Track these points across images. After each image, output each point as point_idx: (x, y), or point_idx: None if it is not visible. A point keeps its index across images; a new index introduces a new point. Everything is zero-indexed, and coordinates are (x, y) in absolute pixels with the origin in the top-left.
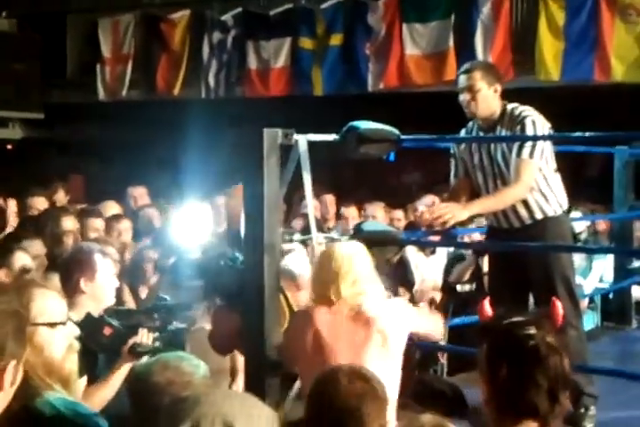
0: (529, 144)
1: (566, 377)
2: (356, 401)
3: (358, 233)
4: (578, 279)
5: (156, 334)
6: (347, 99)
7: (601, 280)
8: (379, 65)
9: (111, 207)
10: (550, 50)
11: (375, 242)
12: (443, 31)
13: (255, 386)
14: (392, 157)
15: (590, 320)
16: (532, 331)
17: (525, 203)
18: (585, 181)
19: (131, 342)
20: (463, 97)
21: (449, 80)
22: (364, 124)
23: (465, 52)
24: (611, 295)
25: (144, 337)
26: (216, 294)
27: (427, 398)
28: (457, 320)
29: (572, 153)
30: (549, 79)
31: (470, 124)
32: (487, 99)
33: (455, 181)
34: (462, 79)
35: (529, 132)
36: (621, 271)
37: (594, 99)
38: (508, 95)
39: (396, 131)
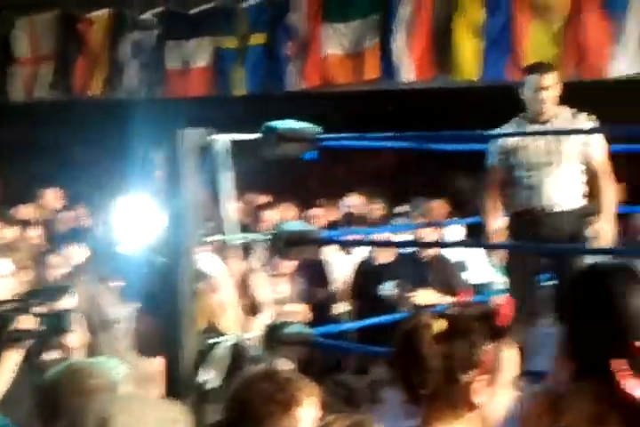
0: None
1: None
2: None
3: (278, 233)
4: (493, 276)
5: (38, 319)
6: (269, 98)
7: None
8: (300, 64)
9: (24, 211)
10: (468, 50)
11: (295, 242)
12: (364, 30)
13: (172, 390)
14: (314, 155)
15: None
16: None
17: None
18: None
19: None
20: (543, 95)
21: (370, 79)
22: (283, 124)
23: (386, 51)
24: None
25: (24, 322)
26: (137, 296)
27: (342, 397)
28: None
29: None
30: (468, 79)
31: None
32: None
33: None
34: (549, 78)
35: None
36: None
37: (512, 98)
38: (428, 95)
39: (316, 130)
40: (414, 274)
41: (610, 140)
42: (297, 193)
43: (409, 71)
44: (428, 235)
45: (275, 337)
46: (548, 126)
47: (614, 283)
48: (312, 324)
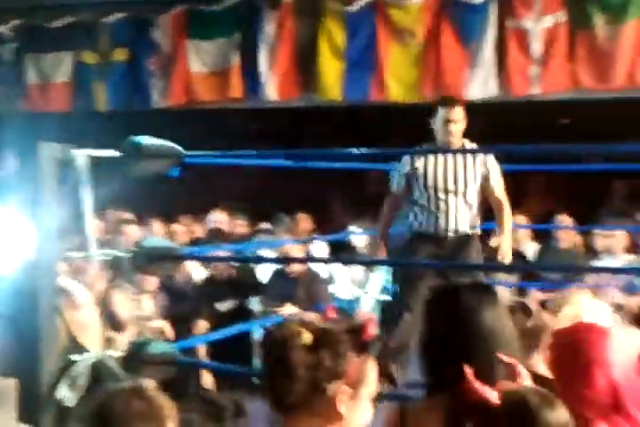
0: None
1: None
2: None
3: (139, 250)
4: (358, 291)
5: None
6: (131, 115)
7: (382, 292)
8: (164, 81)
9: None
10: (331, 70)
11: (155, 258)
12: (227, 49)
13: (29, 408)
14: (175, 173)
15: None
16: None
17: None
18: (366, 198)
19: None
20: (451, 127)
21: (234, 98)
22: (145, 140)
23: (250, 70)
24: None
25: None
26: None
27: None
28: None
29: (353, 170)
30: (331, 99)
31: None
32: None
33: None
34: (458, 111)
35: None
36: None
37: (372, 117)
38: (293, 114)
39: (178, 147)
40: (282, 289)
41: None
42: (160, 209)
43: (273, 90)
44: (294, 251)
45: (137, 355)
46: (451, 157)
47: (467, 300)
48: (174, 340)
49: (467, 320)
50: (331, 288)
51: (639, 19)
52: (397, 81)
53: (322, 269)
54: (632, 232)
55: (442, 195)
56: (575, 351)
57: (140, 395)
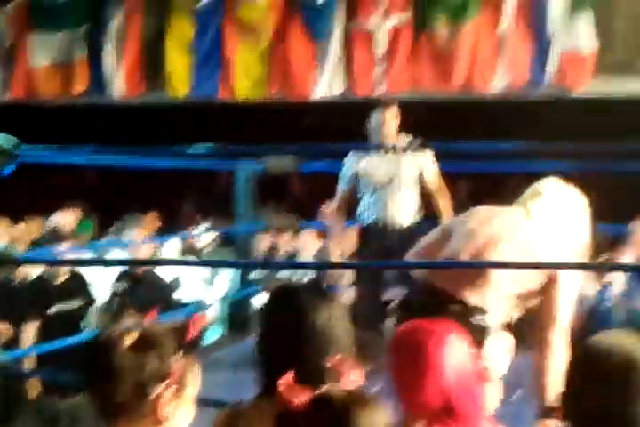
0: None
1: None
2: None
3: None
4: (203, 290)
5: None
6: None
7: (226, 291)
8: (6, 74)
9: None
10: (179, 66)
11: None
12: (73, 42)
13: None
14: (7, 171)
15: (215, 330)
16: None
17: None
18: (213, 195)
19: None
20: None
21: (79, 92)
22: None
23: (96, 64)
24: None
25: None
26: None
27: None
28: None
29: (198, 168)
30: (178, 95)
31: None
32: None
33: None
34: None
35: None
36: (243, 282)
37: (220, 114)
38: (139, 110)
39: (15, 143)
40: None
41: None
42: (5, 209)
43: (120, 85)
44: (144, 250)
45: None
46: (390, 155)
47: (301, 301)
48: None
49: (298, 322)
50: (175, 294)
51: (476, 22)
52: (245, 78)
53: (170, 271)
54: None
55: (383, 190)
56: (412, 354)
57: None
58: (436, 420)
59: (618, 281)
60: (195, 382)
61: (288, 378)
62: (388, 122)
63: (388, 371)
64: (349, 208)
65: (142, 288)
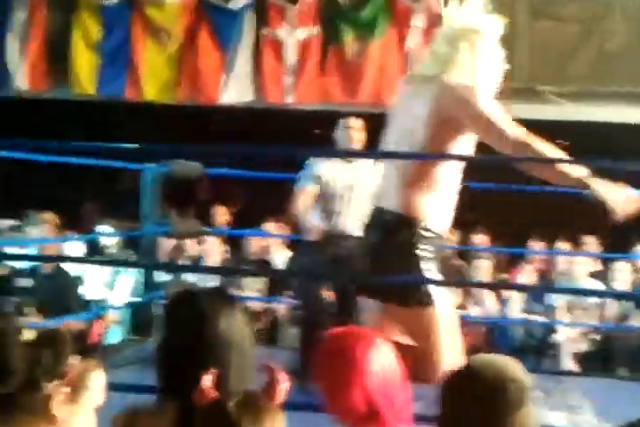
0: None
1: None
2: None
3: None
4: (105, 293)
5: None
6: None
7: (132, 294)
8: None
9: None
10: (85, 64)
11: None
12: None
13: None
14: None
15: (117, 333)
16: None
17: None
18: (117, 196)
19: None
20: (351, 134)
21: None
22: None
23: None
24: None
25: None
26: None
27: None
28: None
29: (105, 168)
30: (84, 92)
31: None
32: None
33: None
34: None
35: None
36: (148, 285)
37: (126, 114)
38: (43, 105)
39: None
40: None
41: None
42: None
43: (23, 80)
44: (49, 248)
45: None
46: (354, 163)
47: (201, 306)
48: None
49: (198, 327)
50: (81, 288)
51: (384, 38)
52: (153, 80)
53: (75, 268)
54: None
55: (340, 199)
56: (339, 357)
57: None
58: (362, 424)
59: (516, 299)
60: (96, 389)
61: (205, 380)
62: (354, 127)
63: (317, 375)
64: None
65: (49, 285)
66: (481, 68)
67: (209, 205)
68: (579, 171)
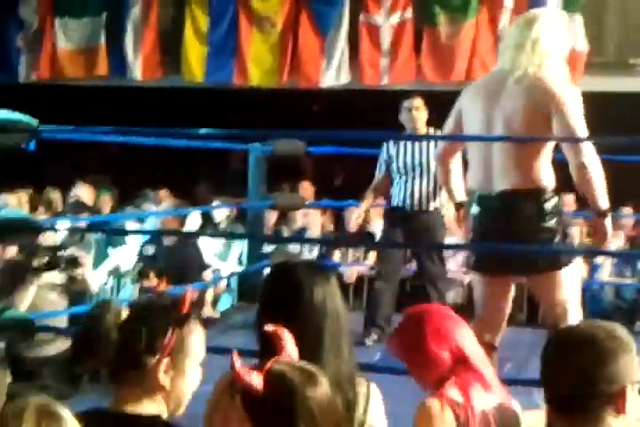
0: None
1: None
2: None
3: None
4: (218, 263)
5: None
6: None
7: (240, 263)
8: (32, 57)
9: None
10: (194, 53)
11: (8, 229)
12: (94, 28)
13: None
14: (32, 146)
15: (228, 300)
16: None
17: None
18: (228, 175)
19: None
20: (414, 114)
21: (100, 75)
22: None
23: (115, 49)
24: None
25: None
26: None
27: None
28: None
29: (213, 149)
30: (193, 80)
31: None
32: None
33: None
34: (417, 101)
35: None
36: (255, 255)
37: (234, 99)
38: (156, 93)
39: (33, 121)
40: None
41: None
42: (25, 182)
43: (137, 70)
44: (170, 223)
45: None
46: (417, 144)
47: (300, 277)
48: None
49: (297, 296)
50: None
51: (476, 18)
52: (258, 66)
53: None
54: None
55: (411, 176)
56: (419, 322)
57: None
58: (453, 373)
59: (606, 264)
60: (195, 351)
61: (234, 360)
62: (416, 108)
63: (397, 342)
64: (385, 191)
65: (171, 255)
66: (557, 50)
67: (313, 180)
68: (605, 203)
